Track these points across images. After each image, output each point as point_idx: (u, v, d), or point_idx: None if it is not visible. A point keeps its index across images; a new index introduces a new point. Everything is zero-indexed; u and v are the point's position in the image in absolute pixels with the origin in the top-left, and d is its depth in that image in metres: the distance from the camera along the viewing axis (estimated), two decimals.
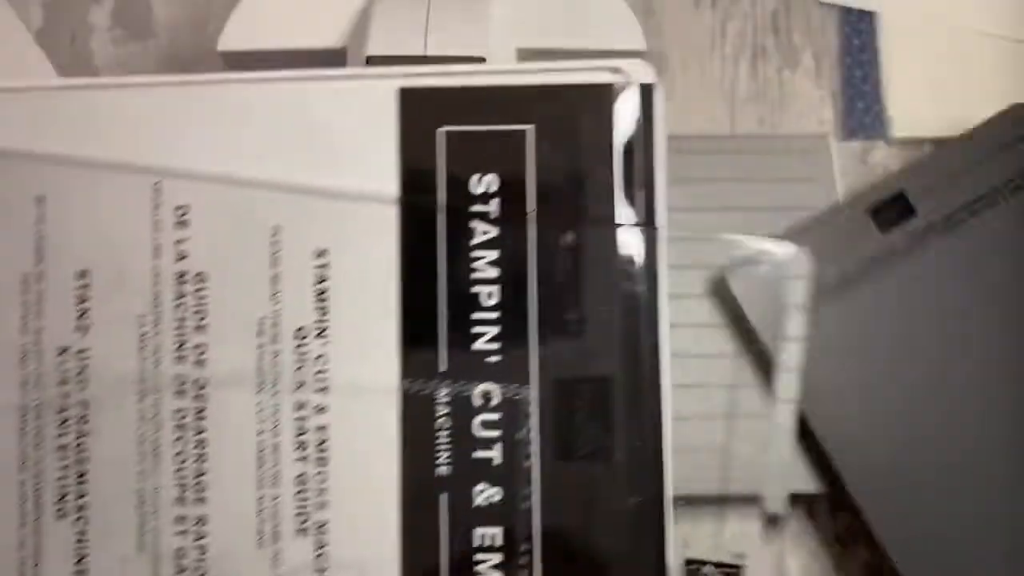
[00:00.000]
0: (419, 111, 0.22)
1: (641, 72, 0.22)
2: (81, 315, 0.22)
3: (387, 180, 0.22)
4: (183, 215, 0.23)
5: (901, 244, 0.27)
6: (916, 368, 0.27)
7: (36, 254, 0.23)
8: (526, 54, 0.27)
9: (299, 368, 0.22)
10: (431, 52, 0.25)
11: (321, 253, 0.22)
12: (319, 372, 0.22)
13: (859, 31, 0.31)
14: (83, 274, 0.23)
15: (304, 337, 0.22)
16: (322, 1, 0.28)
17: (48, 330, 0.23)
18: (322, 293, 0.22)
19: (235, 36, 0.28)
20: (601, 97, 0.22)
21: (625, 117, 0.22)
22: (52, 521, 0.22)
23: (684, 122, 0.31)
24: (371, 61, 0.25)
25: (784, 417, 0.25)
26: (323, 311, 0.22)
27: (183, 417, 0.22)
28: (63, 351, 0.22)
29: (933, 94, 0.30)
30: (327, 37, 0.27)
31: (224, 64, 0.28)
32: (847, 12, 0.31)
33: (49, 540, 0.22)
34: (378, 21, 0.26)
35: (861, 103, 0.30)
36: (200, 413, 0.22)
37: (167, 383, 0.22)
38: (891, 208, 0.27)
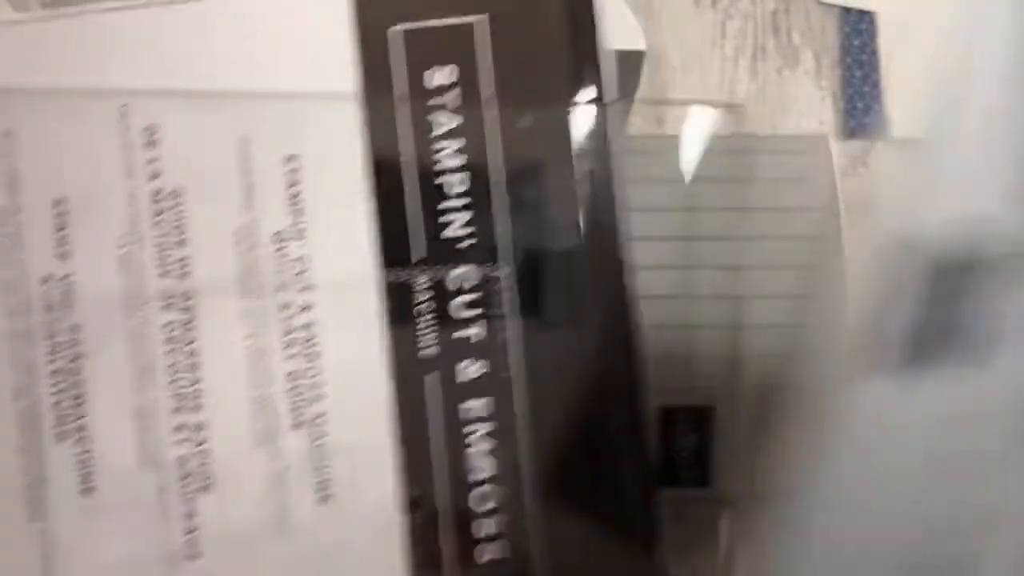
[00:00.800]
0: (371, 9, 0.23)
1: None
2: (60, 242, 0.23)
3: (346, 80, 0.23)
4: (152, 135, 0.23)
5: None
6: None
7: (9, 187, 0.23)
8: None
9: (280, 271, 0.23)
10: None
11: (290, 159, 0.23)
12: (300, 272, 0.23)
13: (859, 31, 0.30)
14: (59, 202, 0.23)
15: (282, 241, 0.23)
16: None
17: (29, 260, 0.23)
18: (295, 197, 0.23)
19: None
20: None
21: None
22: (53, 444, 0.23)
23: (684, 122, 0.31)
24: None
25: None
26: (298, 213, 0.23)
27: (172, 330, 0.23)
28: (46, 279, 0.23)
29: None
30: None
31: None
32: (847, 12, 0.31)
33: (52, 463, 0.23)
34: None
35: (861, 103, 0.30)
36: (188, 324, 0.23)
37: (153, 298, 0.23)
38: None
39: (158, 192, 0.23)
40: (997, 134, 0.20)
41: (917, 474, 0.21)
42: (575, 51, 0.23)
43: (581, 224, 0.23)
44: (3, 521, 0.23)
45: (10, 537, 0.23)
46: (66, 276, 0.23)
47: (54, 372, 0.23)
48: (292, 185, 0.23)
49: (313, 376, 0.23)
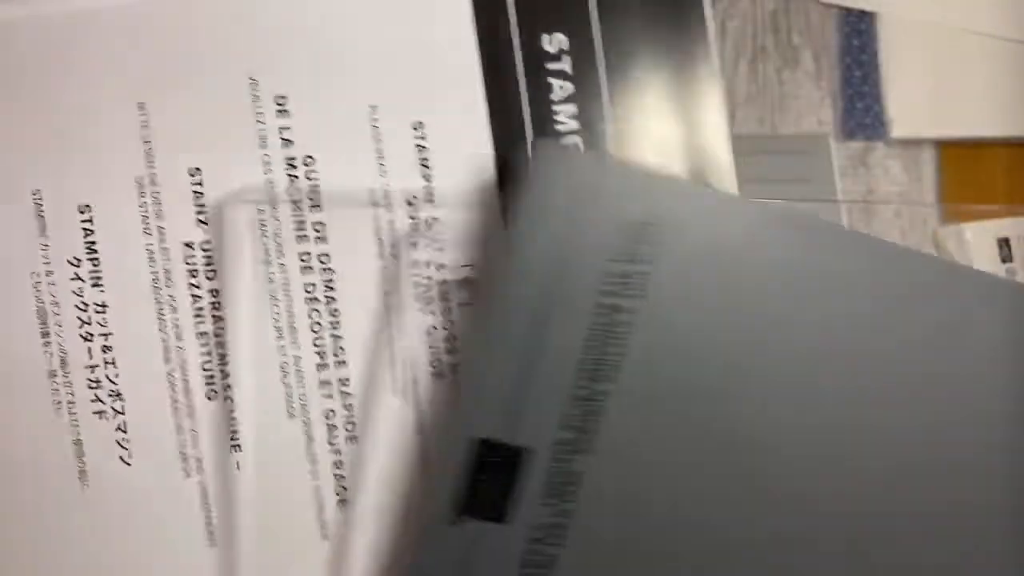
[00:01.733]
0: None
1: None
2: (199, 210, 0.24)
3: (468, 49, 0.24)
4: (283, 104, 0.24)
5: None
6: None
7: (146, 157, 0.24)
8: None
9: (414, 230, 0.24)
10: None
11: (417, 125, 0.24)
12: (432, 233, 0.24)
13: (859, 31, 0.30)
14: (195, 171, 0.24)
15: (414, 203, 0.24)
16: None
17: (170, 228, 0.24)
18: (425, 161, 0.24)
19: None
20: None
21: None
22: (204, 403, 0.24)
23: None
24: None
25: None
26: (428, 178, 0.24)
27: (313, 288, 0.24)
28: (188, 245, 0.24)
29: (933, 94, 0.30)
30: None
31: None
32: (847, 12, 0.30)
33: (203, 420, 0.24)
34: None
35: (861, 103, 0.30)
36: (329, 284, 0.24)
37: (292, 261, 0.24)
38: None
39: (292, 159, 0.24)
40: None
41: None
42: None
43: None
44: (161, 477, 0.24)
45: (169, 491, 0.24)
46: (206, 242, 0.24)
47: (201, 334, 0.24)
48: (421, 150, 0.24)
49: (447, 330, 0.24)
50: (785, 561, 0.23)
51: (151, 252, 0.24)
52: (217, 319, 0.24)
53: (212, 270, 0.24)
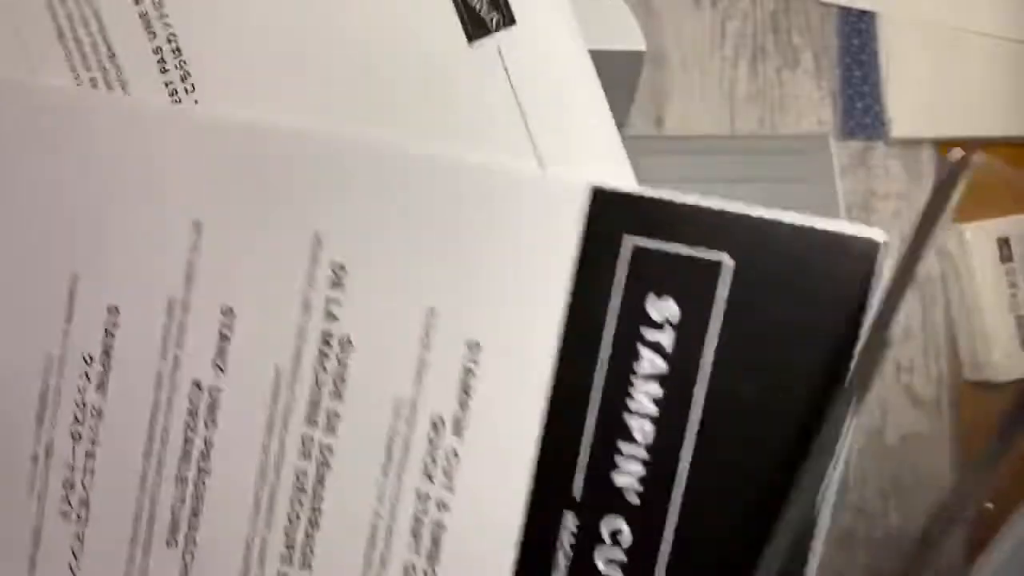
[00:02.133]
0: (607, 215, 0.20)
1: (877, 234, 0.19)
2: (220, 352, 0.22)
3: (558, 283, 0.20)
4: (339, 275, 0.21)
5: None
6: None
7: (186, 280, 0.22)
8: None
9: (429, 459, 0.21)
10: None
11: (473, 346, 0.21)
12: (447, 468, 0.21)
13: (859, 31, 0.31)
14: (228, 311, 0.22)
15: (439, 428, 0.21)
16: None
17: (186, 360, 0.22)
18: (467, 388, 0.21)
19: None
20: (842, 251, 0.19)
21: (859, 276, 0.19)
22: (162, 548, 0.22)
23: (684, 122, 0.31)
24: None
25: None
26: (464, 406, 0.21)
27: (303, 477, 0.22)
28: (197, 384, 0.22)
29: (933, 94, 0.30)
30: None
31: None
32: (847, 12, 0.31)
33: (156, 565, 0.22)
34: None
35: (861, 103, 0.30)
36: (321, 479, 0.22)
37: (293, 441, 0.22)
38: None
39: (329, 335, 0.21)
40: None
41: None
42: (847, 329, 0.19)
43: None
44: None
45: None
46: (217, 389, 0.22)
47: (180, 479, 0.22)
48: (467, 374, 0.21)
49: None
50: None
51: (159, 377, 0.22)
52: (202, 471, 0.22)
53: (213, 419, 0.22)
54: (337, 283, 0.21)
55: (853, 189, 0.30)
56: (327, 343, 0.21)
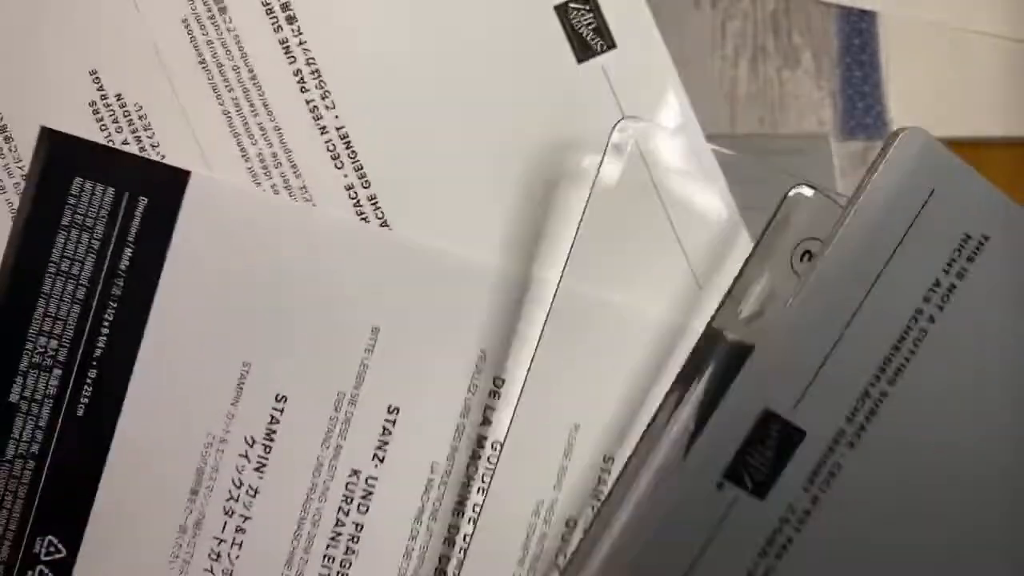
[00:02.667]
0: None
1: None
2: (381, 445, 0.24)
3: None
4: (499, 387, 0.24)
5: None
6: None
7: (357, 378, 0.24)
8: None
9: (562, 556, 0.24)
10: None
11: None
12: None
13: (859, 31, 0.30)
14: (394, 410, 0.24)
15: (571, 526, 0.24)
16: None
17: (347, 450, 0.24)
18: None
19: None
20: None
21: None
22: None
23: None
24: None
25: None
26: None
27: (444, 561, 0.24)
28: (355, 473, 0.24)
29: (933, 94, 0.30)
30: None
31: None
32: (847, 12, 0.31)
33: None
34: None
35: (861, 103, 0.30)
36: (460, 565, 0.24)
37: (438, 531, 0.24)
38: None
39: (483, 439, 0.24)
40: None
41: None
42: None
43: None
44: None
45: None
46: (372, 479, 0.24)
47: (328, 558, 0.24)
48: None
49: None
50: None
51: (320, 463, 0.24)
52: (349, 550, 0.24)
53: (367, 506, 0.24)
54: (496, 393, 0.24)
55: (853, 189, 0.30)
56: (480, 444, 0.24)
